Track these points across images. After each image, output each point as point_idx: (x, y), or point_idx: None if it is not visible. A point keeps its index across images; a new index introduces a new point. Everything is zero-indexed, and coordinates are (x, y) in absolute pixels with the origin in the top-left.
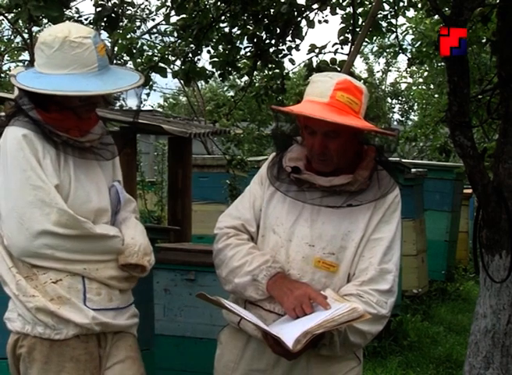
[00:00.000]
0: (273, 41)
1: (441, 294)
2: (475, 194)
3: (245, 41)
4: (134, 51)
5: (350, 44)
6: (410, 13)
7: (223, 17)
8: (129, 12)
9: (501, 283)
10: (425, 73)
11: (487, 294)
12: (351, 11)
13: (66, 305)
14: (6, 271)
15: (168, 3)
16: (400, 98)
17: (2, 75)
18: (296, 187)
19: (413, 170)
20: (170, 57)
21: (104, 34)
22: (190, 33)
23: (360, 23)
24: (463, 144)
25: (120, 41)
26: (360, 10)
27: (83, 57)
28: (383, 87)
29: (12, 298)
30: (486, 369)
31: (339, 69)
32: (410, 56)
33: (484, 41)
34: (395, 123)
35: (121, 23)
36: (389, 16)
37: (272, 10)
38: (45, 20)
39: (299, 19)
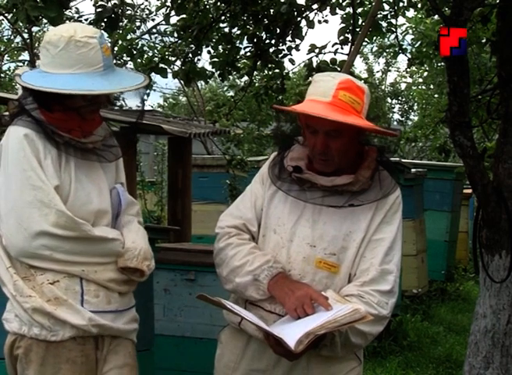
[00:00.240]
0: (273, 41)
1: (441, 294)
2: (475, 194)
3: (245, 41)
4: (134, 51)
5: (349, 44)
6: (410, 13)
7: (223, 17)
8: (129, 12)
9: (501, 284)
10: (425, 73)
11: (487, 294)
12: (351, 11)
13: (63, 306)
14: (4, 271)
15: (168, 3)
16: (399, 98)
17: (2, 75)
18: (297, 187)
19: (413, 170)
20: (170, 57)
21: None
22: (190, 33)
23: (360, 23)
24: (463, 144)
25: (120, 42)
26: (360, 10)
27: (89, 57)
28: (383, 87)
29: (9, 299)
30: (486, 369)
31: (339, 69)
32: (410, 56)
33: (484, 41)
34: (395, 123)
35: (121, 24)
36: (388, 16)
37: (271, 10)
38: (45, 20)
39: (299, 19)
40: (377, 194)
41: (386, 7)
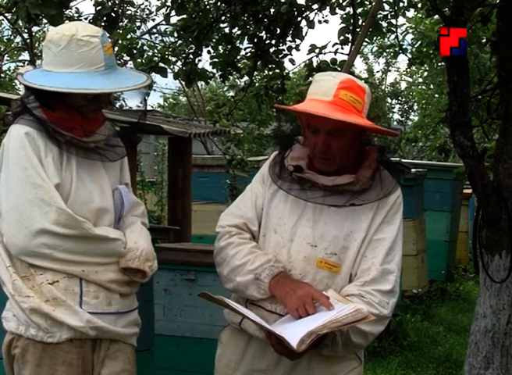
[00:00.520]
0: (273, 41)
1: (441, 294)
2: (475, 194)
3: (245, 42)
4: (134, 51)
5: (350, 44)
6: (410, 13)
7: (223, 17)
8: (129, 12)
9: (501, 284)
10: (425, 73)
11: (487, 294)
12: (351, 11)
13: (61, 307)
14: (4, 270)
15: (169, 3)
16: (399, 98)
17: (2, 75)
18: (298, 187)
19: (413, 170)
20: (170, 57)
21: None
22: (191, 33)
23: (360, 23)
24: (463, 144)
25: (120, 42)
26: (360, 10)
27: (90, 56)
28: (383, 87)
29: (9, 298)
30: (486, 369)
31: (339, 69)
32: (410, 56)
33: (484, 41)
34: (395, 123)
35: (121, 23)
36: (389, 16)
37: (272, 10)
38: (45, 20)
39: (299, 19)
40: (378, 193)
41: (386, 7)
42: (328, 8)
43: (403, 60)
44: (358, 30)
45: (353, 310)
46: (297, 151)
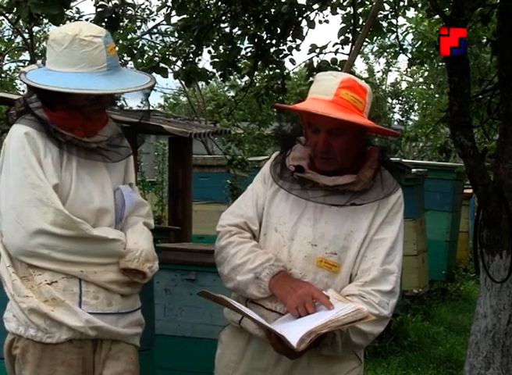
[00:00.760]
0: (274, 41)
1: (441, 294)
2: (476, 194)
3: (246, 41)
4: (135, 51)
5: (350, 44)
6: (411, 13)
7: (224, 17)
8: (129, 12)
9: (501, 284)
10: (426, 73)
11: (487, 294)
12: (352, 11)
13: (60, 308)
14: (4, 270)
15: (169, 3)
16: (400, 98)
17: (3, 75)
18: (299, 186)
19: (413, 170)
20: (171, 57)
21: None
22: (191, 33)
23: (360, 23)
24: (463, 144)
25: (121, 42)
26: (360, 10)
27: (92, 56)
28: (383, 87)
29: (9, 298)
30: (487, 369)
31: (339, 69)
32: (410, 56)
33: (484, 41)
34: (395, 123)
35: (121, 24)
36: (389, 16)
37: (272, 10)
38: (46, 20)
39: (299, 19)
40: (379, 193)
41: (387, 7)
42: (328, 8)
43: (403, 60)
44: (359, 29)
45: (353, 310)
46: (299, 151)
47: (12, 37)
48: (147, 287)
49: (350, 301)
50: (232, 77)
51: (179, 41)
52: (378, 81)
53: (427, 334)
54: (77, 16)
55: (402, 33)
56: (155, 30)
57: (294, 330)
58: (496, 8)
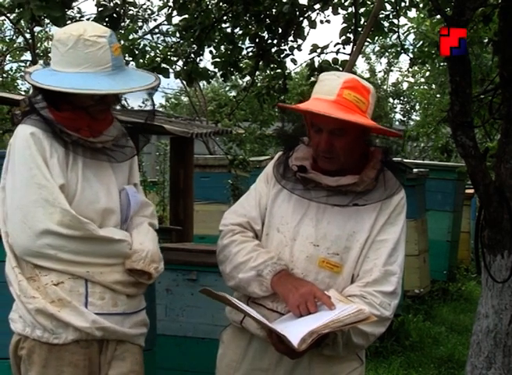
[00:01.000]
0: (275, 41)
1: (443, 294)
2: (477, 194)
3: (247, 41)
4: (136, 52)
5: (351, 44)
6: (412, 13)
7: (225, 17)
8: (131, 12)
9: (503, 284)
10: (427, 73)
11: (489, 294)
12: (353, 11)
13: (67, 308)
14: (10, 271)
15: (170, 3)
16: (401, 98)
17: (4, 75)
18: (301, 187)
19: (415, 170)
20: (172, 57)
21: None
22: (192, 33)
23: (362, 22)
24: (465, 144)
25: (122, 42)
26: (362, 10)
27: (97, 56)
28: (385, 87)
29: (15, 299)
30: (488, 369)
31: (341, 69)
32: (412, 56)
33: (486, 41)
34: (397, 123)
35: (123, 24)
36: (390, 16)
37: (273, 10)
38: (47, 20)
39: (301, 19)
40: (381, 194)
41: (388, 7)
42: (330, 8)
43: (405, 60)
44: (360, 29)
45: (355, 310)
46: (302, 152)
47: (14, 38)
48: (148, 287)
49: (352, 302)
50: (233, 77)
51: (181, 41)
52: (379, 81)
53: (428, 334)
54: (78, 16)
55: (403, 33)
56: (157, 30)
57: (295, 330)
58: (498, 9)
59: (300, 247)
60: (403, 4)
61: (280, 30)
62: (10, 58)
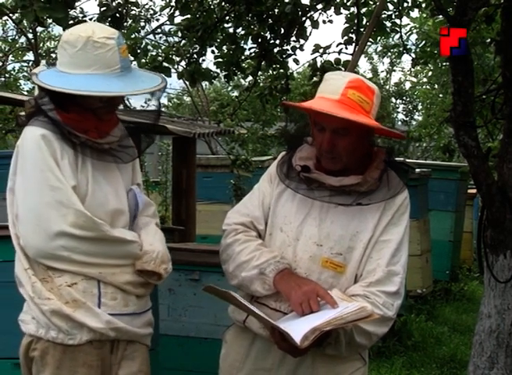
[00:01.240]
0: (277, 41)
1: (445, 294)
2: (480, 194)
3: (249, 42)
4: (139, 51)
5: (354, 44)
6: (415, 13)
7: (227, 17)
8: (133, 12)
9: (505, 284)
10: (429, 73)
11: (491, 294)
12: (355, 11)
13: (81, 309)
14: (22, 272)
15: (173, 3)
16: (404, 97)
17: (7, 75)
18: (305, 186)
19: (417, 170)
20: (174, 57)
21: None
22: (195, 33)
23: (364, 23)
24: (467, 144)
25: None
26: (364, 10)
27: (106, 58)
28: (387, 87)
29: (27, 300)
30: (491, 369)
31: (343, 69)
32: (414, 56)
33: (488, 41)
34: (399, 123)
35: (125, 23)
36: (393, 16)
37: (276, 10)
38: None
39: (303, 19)
40: (385, 194)
41: (391, 7)
42: (332, 8)
43: (407, 60)
44: (362, 30)
45: (357, 308)
46: (305, 151)
47: (16, 38)
48: None
49: (355, 300)
50: (235, 77)
51: (183, 41)
52: (381, 81)
53: (431, 334)
54: (81, 16)
55: (406, 33)
56: (159, 30)
57: (298, 328)
58: (500, 9)
59: (303, 247)
60: (405, 4)
61: (282, 30)
62: (12, 58)
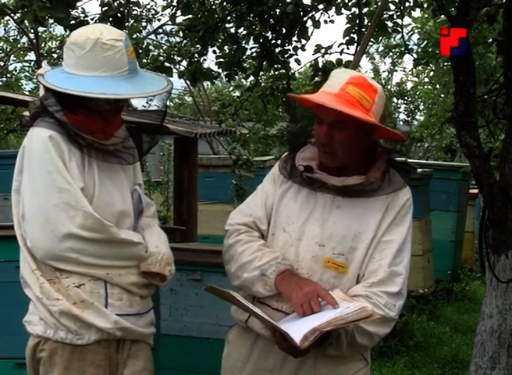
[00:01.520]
0: (279, 41)
1: (447, 294)
2: (481, 194)
3: (251, 42)
4: (140, 51)
5: (355, 44)
6: (416, 13)
7: (229, 17)
8: (135, 12)
9: (507, 284)
10: (431, 73)
11: (493, 294)
12: (357, 11)
13: (89, 309)
14: (30, 274)
15: (174, 3)
16: (405, 97)
17: (8, 75)
18: (308, 186)
19: (419, 170)
20: (176, 57)
21: None
22: (196, 33)
23: (365, 23)
24: (469, 144)
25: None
26: (365, 10)
27: (114, 60)
28: (389, 87)
29: (33, 301)
30: (492, 369)
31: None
32: (415, 56)
33: (490, 41)
34: (401, 123)
35: (127, 24)
36: (394, 16)
37: (277, 10)
38: (51, 20)
39: (305, 19)
40: (386, 190)
41: (392, 7)
42: (333, 8)
43: (409, 60)
44: (364, 30)
45: (357, 308)
46: (308, 152)
47: (18, 38)
48: None
49: (356, 301)
50: (237, 77)
51: (185, 41)
52: (383, 81)
53: (432, 334)
54: (83, 16)
55: (407, 33)
56: (160, 30)
57: (299, 328)
58: (502, 8)
59: (305, 247)
60: (407, 4)
61: (284, 30)
62: (14, 59)
